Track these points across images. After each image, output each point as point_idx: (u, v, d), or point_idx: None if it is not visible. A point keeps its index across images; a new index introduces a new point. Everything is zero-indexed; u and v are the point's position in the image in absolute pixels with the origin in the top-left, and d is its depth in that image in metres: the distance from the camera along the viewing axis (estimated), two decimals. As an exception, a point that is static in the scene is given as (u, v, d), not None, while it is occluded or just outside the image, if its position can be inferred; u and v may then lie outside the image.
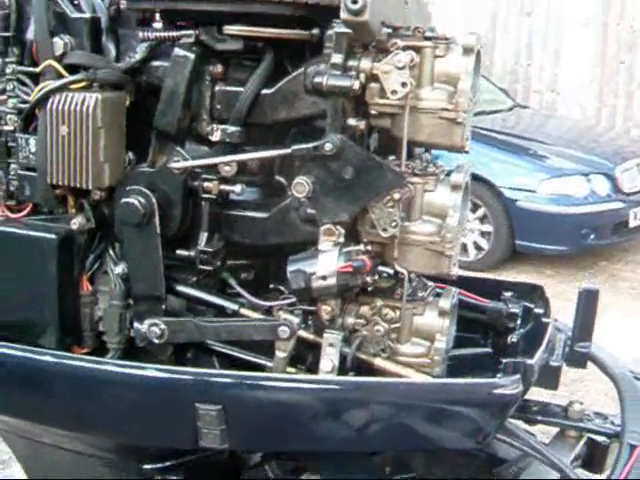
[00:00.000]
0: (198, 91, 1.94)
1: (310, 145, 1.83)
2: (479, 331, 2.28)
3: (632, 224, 7.33)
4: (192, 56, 1.90)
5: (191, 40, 1.91)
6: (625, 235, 7.47)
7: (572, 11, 9.05)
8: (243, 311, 1.94)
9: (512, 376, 1.74)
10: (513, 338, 2.08)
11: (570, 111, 9.29)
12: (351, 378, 1.81)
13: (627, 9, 8.99)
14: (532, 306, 2.21)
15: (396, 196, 1.82)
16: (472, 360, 2.19)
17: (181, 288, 2.00)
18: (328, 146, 1.81)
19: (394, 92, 1.77)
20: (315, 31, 1.89)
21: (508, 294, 2.26)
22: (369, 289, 1.92)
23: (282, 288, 2.05)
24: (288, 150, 1.86)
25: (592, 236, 7.16)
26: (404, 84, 1.76)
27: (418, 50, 1.80)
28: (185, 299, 2.01)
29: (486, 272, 6.38)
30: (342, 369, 1.86)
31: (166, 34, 1.93)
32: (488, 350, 2.23)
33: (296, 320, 1.84)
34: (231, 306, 1.96)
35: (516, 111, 8.66)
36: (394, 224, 1.83)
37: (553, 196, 7.14)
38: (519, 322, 2.16)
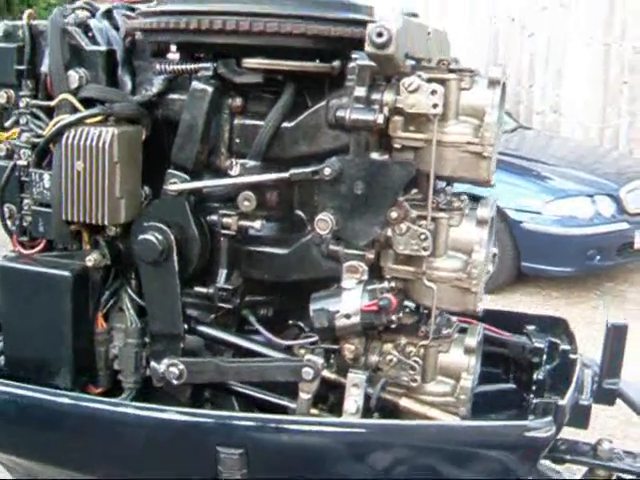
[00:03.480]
0: (216, 125, 1.91)
1: (308, 169, 1.80)
2: (501, 366, 2.23)
3: (637, 245, 7.25)
4: (210, 89, 1.86)
5: (209, 73, 1.87)
6: (631, 256, 7.40)
7: (574, 32, 9.07)
8: (265, 351, 1.89)
9: (544, 418, 1.69)
10: (539, 375, 2.03)
11: (573, 132, 9.28)
12: (379, 421, 1.76)
13: (628, 30, 8.98)
14: (558, 341, 2.16)
15: (393, 215, 1.77)
16: (496, 397, 2.14)
17: (199, 327, 1.95)
18: (327, 171, 1.77)
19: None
20: (336, 63, 1.85)
21: (531, 328, 2.21)
22: (392, 326, 1.87)
23: (302, 324, 2.01)
24: (286, 174, 1.83)
25: (598, 257, 7.09)
26: (435, 105, 1.71)
27: (443, 82, 1.76)
28: (203, 337, 1.96)
29: (492, 294, 6.32)
30: (366, 409, 1.81)
31: (183, 67, 1.90)
32: (512, 386, 2.18)
33: (320, 361, 1.79)
34: (251, 346, 1.91)
35: (519, 132, 8.63)
36: (423, 236, 1.77)
37: (558, 217, 7.08)
38: (544, 358, 2.11)
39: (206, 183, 1.91)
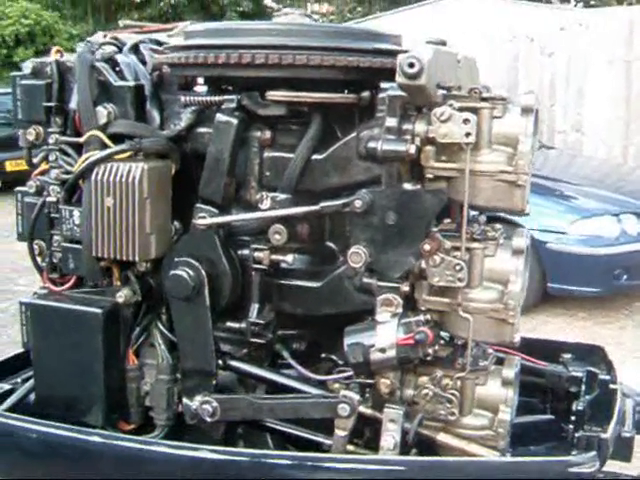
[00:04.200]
0: (245, 158, 1.89)
1: (339, 202, 1.78)
2: (538, 395, 2.19)
3: (665, 264, 7.17)
4: (235, 122, 1.84)
5: (233, 105, 1.85)
6: (658, 275, 7.30)
7: (594, 50, 9.03)
8: (298, 386, 1.86)
9: (587, 452, 1.65)
10: (578, 405, 1.98)
11: (596, 150, 9.22)
12: (417, 458, 1.72)
13: (650, 46, 8.97)
14: (597, 371, 2.11)
15: (426, 247, 1.74)
16: (534, 428, 2.09)
17: (232, 362, 1.92)
18: (358, 203, 1.75)
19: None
20: (365, 94, 1.83)
21: (567, 356, 2.17)
22: (428, 358, 1.84)
23: (335, 358, 1.97)
24: (317, 207, 1.80)
25: (625, 277, 7.00)
26: (468, 134, 1.68)
27: (475, 111, 1.73)
28: (236, 373, 1.94)
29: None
30: (402, 444, 1.77)
31: (208, 99, 1.88)
32: (550, 417, 2.13)
33: (356, 397, 1.76)
34: (285, 381, 1.88)
35: (542, 152, 8.58)
36: (458, 267, 1.74)
37: (584, 237, 7.00)
38: (583, 387, 2.06)
39: (235, 217, 1.89)
